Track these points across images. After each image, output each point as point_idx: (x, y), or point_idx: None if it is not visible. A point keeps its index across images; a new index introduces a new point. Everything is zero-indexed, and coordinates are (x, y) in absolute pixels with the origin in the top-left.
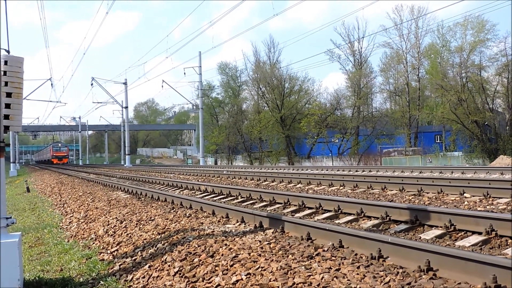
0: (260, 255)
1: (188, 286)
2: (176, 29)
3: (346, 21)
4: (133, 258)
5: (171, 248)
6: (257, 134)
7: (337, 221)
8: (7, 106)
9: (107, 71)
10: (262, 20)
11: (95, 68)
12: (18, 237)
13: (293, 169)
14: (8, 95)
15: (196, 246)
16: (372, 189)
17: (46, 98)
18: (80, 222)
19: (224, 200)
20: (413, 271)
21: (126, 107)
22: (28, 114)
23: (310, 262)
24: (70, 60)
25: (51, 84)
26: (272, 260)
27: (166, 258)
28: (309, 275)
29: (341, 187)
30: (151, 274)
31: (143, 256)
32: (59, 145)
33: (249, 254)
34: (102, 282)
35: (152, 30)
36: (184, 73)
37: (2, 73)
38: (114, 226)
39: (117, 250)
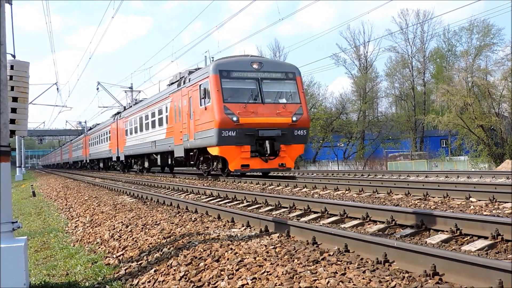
0: (265, 259)
1: None
2: (185, 33)
3: (352, 26)
4: (138, 263)
5: (177, 253)
6: None
7: (342, 226)
8: (13, 110)
9: (116, 76)
10: (268, 24)
11: (104, 72)
12: (24, 242)
13: (298, 173)
14: (14, 99)
15: (202, 250)
16: (377, 193)
17: (52, 103)
18: (85, 227)
19: (230, 204)
20: (419, 276)
21: None
22: (34, 119)
23: (316, 267)
24: (80, 65)
25: (57, 89)
26: (278, 264)
27: (171, 262)
28: (315, 280)
29: (347, 191)
30: (157, 279)
31: (149, 260)
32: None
33: (255, 258)
34: (108, 287)
35: (163, 35)
36: None
37: (8, 77)
38: (119, 231)
39: (122, 254)
